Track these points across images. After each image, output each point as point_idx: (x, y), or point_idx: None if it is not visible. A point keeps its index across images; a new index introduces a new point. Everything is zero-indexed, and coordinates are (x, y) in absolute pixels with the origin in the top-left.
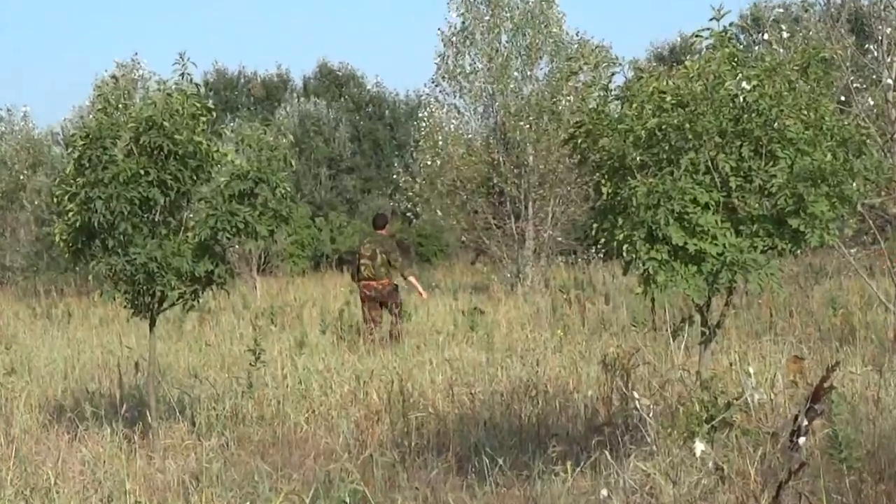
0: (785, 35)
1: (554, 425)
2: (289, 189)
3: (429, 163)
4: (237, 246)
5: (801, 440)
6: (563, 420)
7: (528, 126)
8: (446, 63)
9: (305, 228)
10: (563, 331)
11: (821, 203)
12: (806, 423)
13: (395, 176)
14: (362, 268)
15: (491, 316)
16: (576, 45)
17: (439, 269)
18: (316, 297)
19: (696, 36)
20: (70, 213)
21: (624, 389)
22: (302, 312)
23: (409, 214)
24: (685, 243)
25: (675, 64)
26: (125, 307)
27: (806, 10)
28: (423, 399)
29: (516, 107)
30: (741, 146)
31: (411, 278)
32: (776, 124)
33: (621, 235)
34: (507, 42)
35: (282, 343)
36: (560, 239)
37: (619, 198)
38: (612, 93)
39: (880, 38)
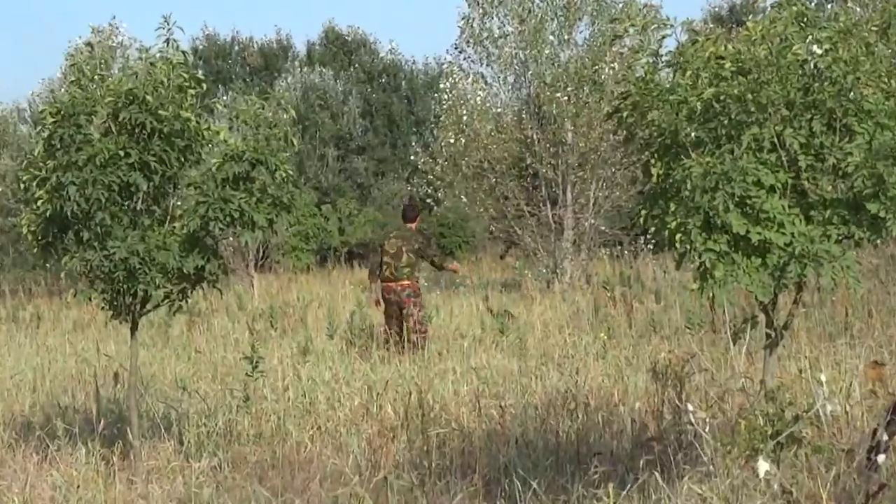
0: None
1: (596, 443)
2: (290, 172)
3: (452, 141)
4: (231, 238)
5: (881, 458)
6: (607, 437)
7: (565, 98)
8: (471, 26)
9: (310, 218)
10: (607, 334)
11: None
12: (886, 438)
13: (412, 157)
14: (384, 266)
15: (524, 317)
16: (620, 5)
17: (464, 264)
18: (322, 297)
19: None
20: (39, 202)
21: (677, 401)
22: (306, 314)
23: (429, 201)
24: (747, 232)
25: (735, 25)
26: (103, 309)
27: None
28: (445, 413)
29: (552, 76)
30: (811, 119)
31: (453, 265)
32: (852, 94)
33: (674, 223)
34: (540, 1)
35: (283, 350)
36: (603, 228)
37: (671, 180)
38: (663, 59)
39: None
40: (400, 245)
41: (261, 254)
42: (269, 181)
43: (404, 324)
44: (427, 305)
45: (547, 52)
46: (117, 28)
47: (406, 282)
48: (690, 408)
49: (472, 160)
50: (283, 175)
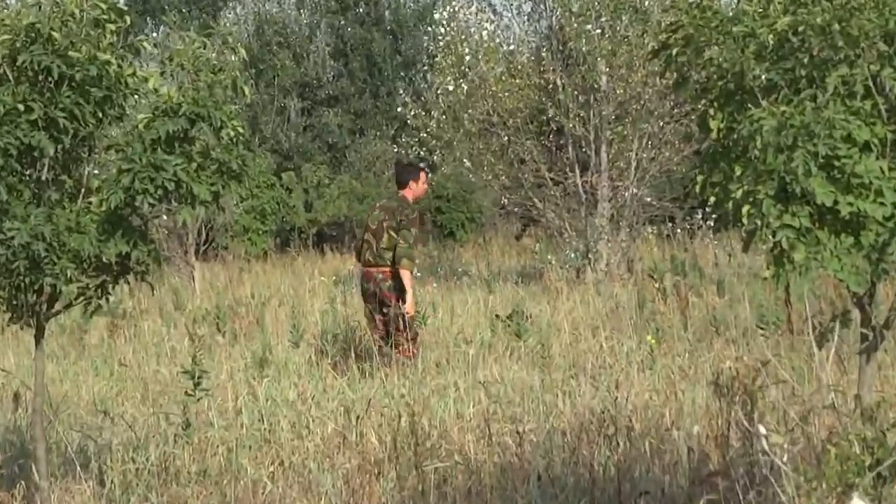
0: None
1: (642, 479)
2: (241, 131)
3: (450, 88)
4: (165, 217)
5: None
6: (657, 471)
7: (598, 31)
8: None
9: (267, 189)
10: (655, 337)
11: None
12: None
13: (399, 109)
14: (364, 246)
15: (546, 316)
16: None
17: (468, 248)
18: (284, 292)
19: None
20: None
21: (746, 423)
22: (263, 315)
23: (421, 166)
24: (835, 203)
25: None
26: None
27: None
28: (445, 442)
29: (580, 3)
30: None
31: (404, 271)
32: None
33: (739, 192)
34: None
35: (234, 361)
36: (649, 200)
37: (735, 136)
38: None
39: None
40: (382, 219)
41: (204, 237)
42: (214, 142)
43: (390, 326)
44: (420, 301)
45: None
46: None
47: (387, 269)
48: (763, 431)
49: (478, 113)
50: (232, 134)
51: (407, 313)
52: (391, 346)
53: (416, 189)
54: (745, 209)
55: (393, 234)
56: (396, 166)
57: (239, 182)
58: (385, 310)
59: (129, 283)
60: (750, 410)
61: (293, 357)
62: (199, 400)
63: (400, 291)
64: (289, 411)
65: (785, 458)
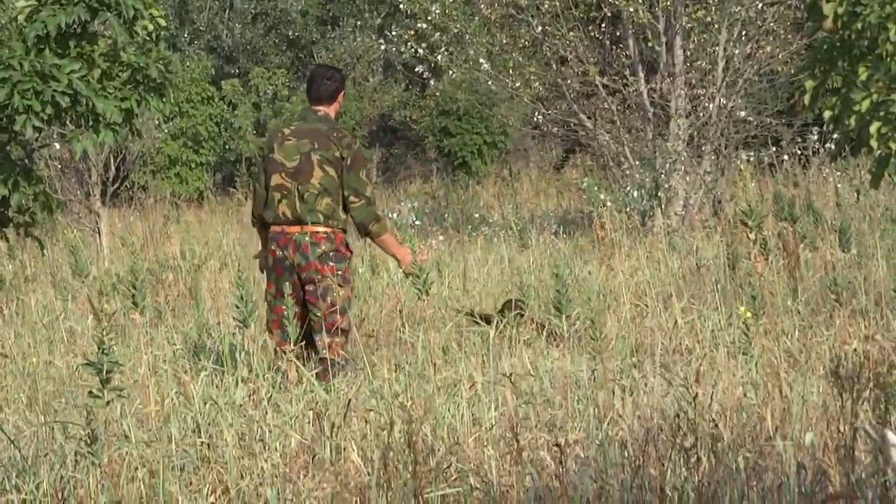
0: None
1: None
2: (163, 23)
3: None
4: (58, 147)
5: None
6: (753, 496)
7: None
8: None
9: (202, 105)
10: (752, 310)
11: None
12: None
13: None
14: (274, 197)
15: (599, 281)
16: None
17: (488, 185)
18: (228, 250)
19: None
20: None
21: (874, 428)
22: (198, 283)
23: (419, 70)
24: None
25: None
26: None
27: None
28: (456, 459)
29: None
30: None
31: (383, 234)
32: None
33: (866, 103)
34: None
35: (158, 349)
36: (743, 114)
37: (860, 24)
38: None
39: None
40: (307, 151)
41: (113, 174)
42: (124, 38)
43: (310, 312)
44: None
45: None
46: None
47: (320, 228)
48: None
49: None
50: (150, 28)
51: (402, 262)
52: (316, 345)
53: (336, 106)
54: (873, 127)
55: (330, 172)
56: (313, 75)
57: (161, 95)
58: (309, 289)
59: (7, 239)
60: (884, 411)
61: (241, 342)
62: (108, 404)
63: (338, 261)
64: (236, 418)
65: None
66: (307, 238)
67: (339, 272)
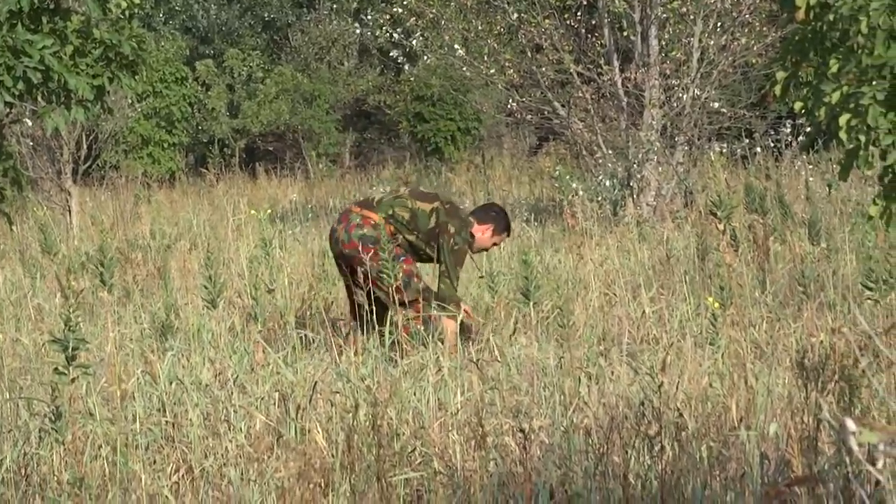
0: None
1: (696, 495)
2: (137, 1)
3: None
4: (29, 123)
5: None
6: (716, 485)
7: None
8: None
9: (175, 85)
10: (720, 300)
11: None
12: None
13: None
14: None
15: (568, 269)
16: None
17: (461, 171)
18: (198, 231)
19: None
20: None
21: (835, 418)
22: (167, 263)
23: (393, 55)
24: None
25: None
26: None
27: None
28: (421, 444)
29: None
30: None
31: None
32: None
33: (836, 95)
34: None
35: (125, 327)
36: (717, 106)
37: (831, 16)
38: None
39: None
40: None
41: (85, 152)
42: (97, 16)
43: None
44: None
45: None
46: None
47: (376, 216)
48: (852, 427)
49: None
50: (123, 6)
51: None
52: (367, 329)
53: (482, 238)
54: (843, 119)
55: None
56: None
57: (133, 73)
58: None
59: None
60: (848, 403)
61: (208, 323)
62: (74, 381)
63: (375, 242)
64: (201, 398)
65: (881, 465)
66: (357, 219)
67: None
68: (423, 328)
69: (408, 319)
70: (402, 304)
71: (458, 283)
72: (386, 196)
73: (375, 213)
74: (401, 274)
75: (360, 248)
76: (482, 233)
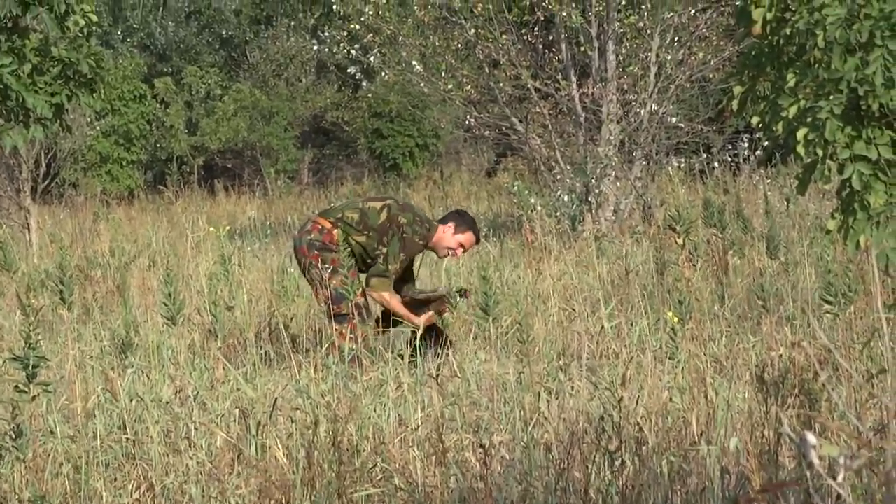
0: None
1: None
2: (96, 19)
3: None
4: None
5: None
6: (678, 498)
7: None
8: None
9: (134, 103)
10: (679, 315)
11: None
12: None
13: None
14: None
15: (527, 285)
16: None
17: (419, 187)
18: (157, 248)
19: None
20: None
21: (794, 431)
22: (126, 280)
23: (351, 71)
24: None
25: None
26: None
27: None
28: (381, 460)
29: None
30: None
31: (377, 292)
32: None
33: (793, 109)
34: None
35: (85, 345)
36: (675, 120)
37: (788, 30)
38: None
39: None
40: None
41: (44, 170)
42: (56, 33)
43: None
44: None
45: None
46: None
47: (326, 222)
48: (812, 440)
49: None
50: (82, 24)
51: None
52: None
53: (443, 237)
54: (800, 133)
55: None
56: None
57: (91, 91)
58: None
59: None
60: (808, 417)
61: (168, 340)
62: (34, 399)
63: (322, 250)
64: (162, 416)
65: (841, 478)
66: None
67: (325, 259)
68: (353, 346)
69: (339, 334)
70: (336, 316)
71: (398, 270)
72: (342, 202)
73: (324, 219)
74: (333, 284)
75: (306, 253)
76: (443, 231)
